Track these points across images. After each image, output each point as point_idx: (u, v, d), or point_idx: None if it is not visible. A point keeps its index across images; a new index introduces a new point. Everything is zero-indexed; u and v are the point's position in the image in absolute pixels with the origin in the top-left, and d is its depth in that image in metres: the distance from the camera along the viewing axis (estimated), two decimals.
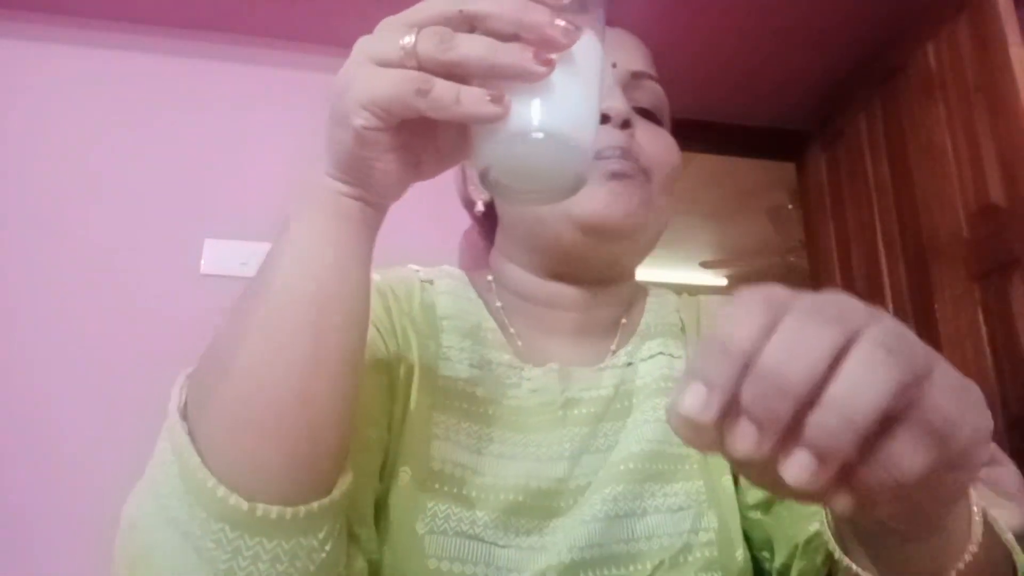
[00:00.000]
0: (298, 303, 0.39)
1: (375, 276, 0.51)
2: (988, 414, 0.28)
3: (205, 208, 1.68)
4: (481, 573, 0.49)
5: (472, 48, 0.35)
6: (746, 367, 0.26)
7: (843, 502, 0.27)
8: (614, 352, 0.63)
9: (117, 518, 0.40)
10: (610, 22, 0.64)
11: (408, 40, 0.35)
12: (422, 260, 0.68)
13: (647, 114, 0.64)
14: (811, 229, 2.28)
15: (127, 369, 1.52)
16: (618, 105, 0.59)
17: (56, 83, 1.70)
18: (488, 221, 0.71)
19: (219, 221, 1.67)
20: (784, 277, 3.45)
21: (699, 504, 0.54)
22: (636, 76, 0.63)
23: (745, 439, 0.26)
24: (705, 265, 3.69)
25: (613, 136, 0.59)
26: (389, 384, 0.54)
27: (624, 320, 0.65)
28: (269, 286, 0.40)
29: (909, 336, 0.26)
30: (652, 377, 0.60)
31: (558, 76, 0.36)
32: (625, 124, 0.60)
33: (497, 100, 0.35)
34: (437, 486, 0.51)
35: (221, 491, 0.35)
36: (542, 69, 0.35)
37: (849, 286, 2.05)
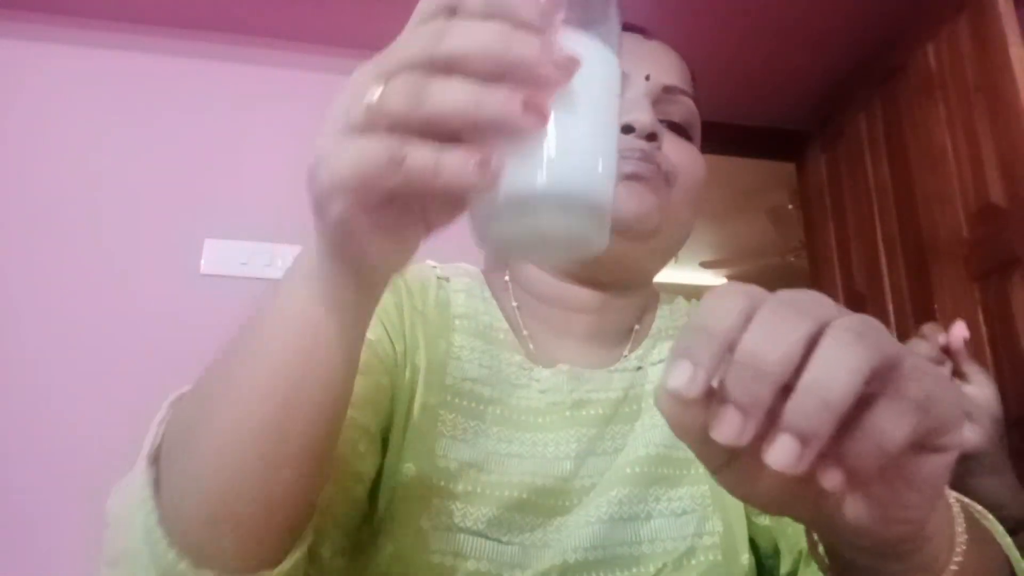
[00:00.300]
0: (264, 403, 0.35)
1: None
2: (962, 402, 0.28)
3: (205, 208, 1.68)
4: (485, 569, 0.49)
5: (448, 99, 0.28)
6: (728, 349, 0.27)
7: (832, 478, 0.27)
8: (626, 356, 0.63)
9: None
10: (631, 28, 0.64)
11: (374, 96, 0.29)
12: (441, 256, 0.67)
13: (676, 128, 0.63)
14: (811, 229, 2.28)
15: (127, 368, 1.53)
16: (644, 118, 0.58)
17: (56, 83, 1.70)
18: None
19: (219, 221, 1.67)
20: (784, 277, 3.45)
21: (704, 508, 0.55)
22: (668, 91, 0.62)
23: (730, 424, 0.26)
24: (705, 265, 3.69)
25: (636, 143, 0.58)
26: (391, 385, 0.54)
27: (637, 326, 0.65)
28: (236, 378, 0.37)
29: (879, 326, 0.27)
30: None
31: (561, 116, 0.30)
32: (651, 137, 0.59)
33: (484, 165, 0.28)
34: (443, 483, 0.51)
35: (172, 555, 0.36)
36: (533, 120, 0.29)
37: (849, 286, 2.05)
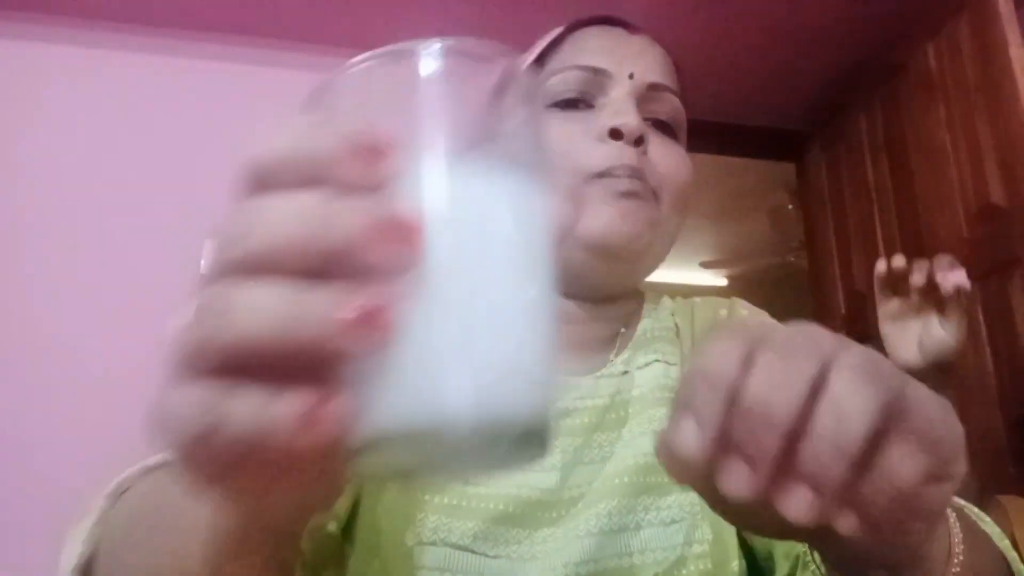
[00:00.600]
0: None
1: None
2: (960, 425, 0.28)
3: (206, 209, 1.68)
4: None
5: (250, 321, 0.20)
6: (732, 401, 0.26)
7: (847, 523, 0.26)
8: (612, 361, 0.62)
9: None
10: (614, 22, 0.63)
11: (180, 324, 0.22)
12: None
13: (661, 126, 0.62)
14: (811, 229, 2.28)
15: (127, 369, 1.52)
16: (631, 122, 0.57)
17: (56, 83, 1.70)
18: None
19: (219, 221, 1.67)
20: (784, 277, 3.45)
21: (693, 516, 0.54)
22: (654, 88, 0.61)
23: (740, 478, 0.25)
24: (705, 265, 3.69)
25: (624, 154, 0.57)
26: None
27: (623, 330, 0.64)
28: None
29: (879, 358, 0.27)
30: (649, 387, 0.60)
31: (434, 307, 0.21)
32: (638, 142, 0.57)
33: (322, 414, 0.20)
34: (427, 497, 0.51)
35: None
36: (370, 339, 0.20)
37: (849, 286, 2.05)
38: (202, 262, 0.23)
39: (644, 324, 0.65)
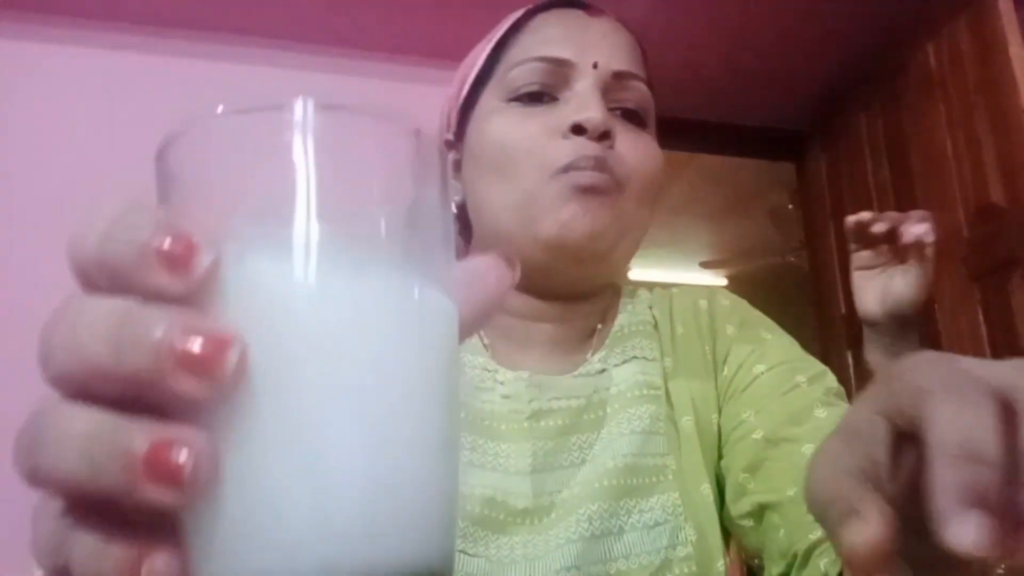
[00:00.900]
0: None
1: None
2: None
3: None
4: None
5: (56, 460, 0.19)
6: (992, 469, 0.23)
7: None
8: (588, 360, 0.60)
9: None
10: (571, 3, 0.59)
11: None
12: None
13: (629, 115, 0.58)
14: (811, 229, 2.28)
15: None
16: (595, 116, 0.53)
17: (56, 83, 1.70)
18: (464, 224, 0.65)
19: None
20: (784, 277, 3.45)
21: (676, 518, 0.53)
22: (619, 76, 0.57)
23: (985, 533, 0.21)
24: (705, 265, 3.69)
25: (588, 147, 0.54)
26: None
27: (600, 326, 0.63)
28: None
29: None
30: (627, 384, 0.58)
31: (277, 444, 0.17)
32: (603, 136, 0.54)
33: (142, 565, 0.18)
34: None
35: None
36: (163, 492, 0.17)
37: (849, 286, 2.05)
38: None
39: (621, 319, 0.63)
